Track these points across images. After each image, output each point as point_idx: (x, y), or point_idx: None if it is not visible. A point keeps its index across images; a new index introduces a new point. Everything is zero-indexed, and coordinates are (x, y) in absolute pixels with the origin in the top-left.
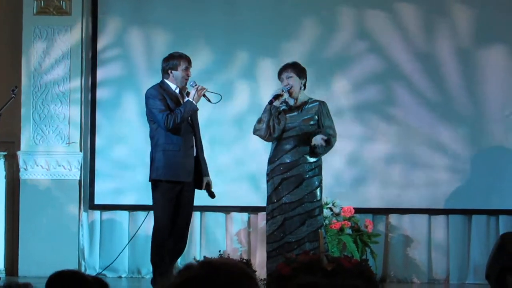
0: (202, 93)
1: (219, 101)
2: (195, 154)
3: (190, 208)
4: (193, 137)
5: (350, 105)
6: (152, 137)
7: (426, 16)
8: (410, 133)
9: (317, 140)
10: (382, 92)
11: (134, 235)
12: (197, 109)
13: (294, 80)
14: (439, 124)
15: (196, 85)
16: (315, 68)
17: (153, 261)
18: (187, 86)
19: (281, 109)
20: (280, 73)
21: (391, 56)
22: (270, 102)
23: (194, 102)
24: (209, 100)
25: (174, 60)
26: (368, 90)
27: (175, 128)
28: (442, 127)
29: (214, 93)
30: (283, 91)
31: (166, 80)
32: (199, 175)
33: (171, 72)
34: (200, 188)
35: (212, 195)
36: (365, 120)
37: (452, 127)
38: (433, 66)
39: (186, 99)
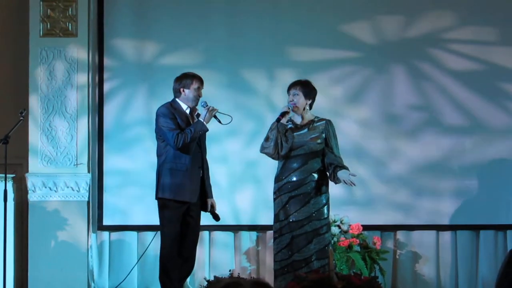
0: (213, 113)
1: (230, 122)
2: (201, 175)
3: (197, 228)
4: (201, 158)
5: (355, 119)
6: (159, 155)
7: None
8: (416, 148)
9: (345, 177)
10: (387, 106)
11: (142, 255)
12: (207, 130)
13: (299, 98)
14: (445, 137)
15: (207, 105)
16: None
17: (162, 280)
18: (198, 106)
19: (288, 127)
20: (289, 88)
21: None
22: (278, 120)
23: (205, 122)
24: (219, 122)
25: (187, 79)
26: (369, 102)
27: (184, 148)
28: (447, 141)
29: (225, 114)
30: (289, 108)
31: (177, 99)
32: (203, 197)
33: (183, 91)
34: (205, 210)
35: (216, 217)
36: (371, 137)
37: (458, 141)
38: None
39: (197, 119)
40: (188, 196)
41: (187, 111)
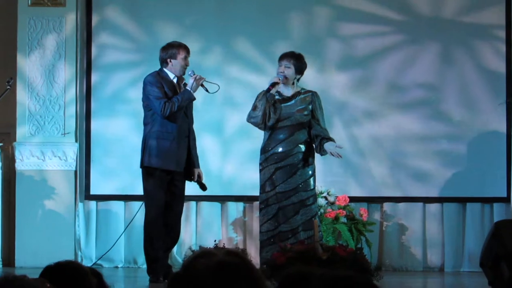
0: (200, 82)
1: (217, 91)
2: (187, 144)
3: (182, 198)
4: (188, 128)
5: (347, 93)
6: (146, 123)
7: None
8: (404, 122)
9: (332, 149)
10: (380, 81)
11: (129, 224)
12: (194, 99)
13: (290, 71)
14: (432, 113)
15: (194, 74)
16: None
17: (146, 249)
18: (185, 75)
19: (276, 98)
20: (281, 59)
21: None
22: (268, 90)
23: (192, 91)
24: (207, 90)
25: (173, 49)
26: (358, 72)
27: (171, 116)
28: (435, 116)
29: (212, 83)
30: (279, 79)
31: (164, 69)
32: (189, 167)
33: (170, 61)
34: (190, 180)
35: (203, 187)
36: (360, 109)
37: (445, 116)
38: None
39: (184, 88)
40: (174, 165)
41: (174, 80)
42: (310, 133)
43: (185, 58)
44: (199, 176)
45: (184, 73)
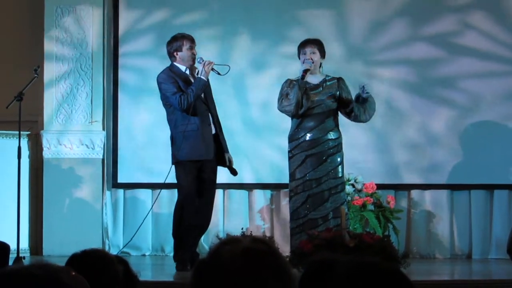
0: (210, 67)
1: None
2: (213, 132)
3: (213, 185)
4: (209, 115)
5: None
6: (169, 120)
7: None
8: (431, 110)
9: (363, 92)
10: (407, 73)
11: (150, 210)
12: (207, 83)
13: (316, 57)
14: (459, 100)
15: (203, 61)
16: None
17: (175, 235)
18: (196, 64)
19: (306, 86)
20: (303, 45)
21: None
22: (302, 77)
23: (203, 77)
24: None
25: (177, 42)
26: (385, 68)
27: (190, 108)
28: (461, 102)
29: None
30: (309, 65)
31: (174, 63)
32: (220, 153)
33: (176, 54)
34: (224, 165)
35: (234, 172)
36: (389, 98)
37: (472, 102)
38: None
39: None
40: (203, 154)
41: (187, 72)
42: (337, 121)
43: (191, 48)
44: (230, 161)
45: (193, 63)
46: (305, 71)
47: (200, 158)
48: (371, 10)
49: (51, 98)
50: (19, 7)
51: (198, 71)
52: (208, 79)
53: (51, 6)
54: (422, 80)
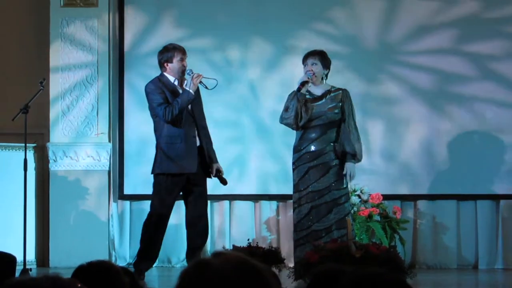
0: (198, 80)
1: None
2: (198, 144)
3: (203, 197)
4: (195, 127)
5: (377, 91)
6: (155, 130)
7: None
8: (438, 119)
9: (349, 172)
10: (426, 81)
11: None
12: (194, 97)
13: (318, 68)
14: (466, 108)
15: (192, 73)
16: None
17: (139, 250)
18: (186, 76)
19: (306, 97)
20: (306, 58)
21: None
22: (298, 89)
23: (190, 90)
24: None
25: (168, 53)
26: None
27: (175, 120)
28: (467, 113)
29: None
30: (308, 78)
31: (164, 73)
32: (206, 163)
33: (167, 65)
34: (210, 177)
35: (223, 181)
36: (392, 107)
37: (478, 114)
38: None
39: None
40: (185, 167)
41: (176, 83)
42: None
43: (181, 59)
44: (219, 171)
45: (183, 75)
46: (302, 84)
47: (181, 171)
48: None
49: (57, 110)
50: (24, 19)
51: (186, 83)
52: (198, 91)
53: (56, 19)
54: (438, 91)
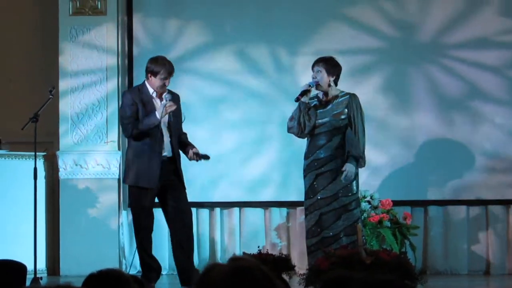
0: (170, 110)
1: (208, 159)
2: (170, 155)
3: (178, 207)
4: (164, 142)
5: (386, 99)
6: (127, 139)
7: None
8: (446, 125)
9: (348, 173)
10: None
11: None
12: (158, 123)
13: (322, 75)
14: (475, 116)
15: (167, 101)
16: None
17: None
18: (163, 96)
19: (312, 104)
20: (312, 66)
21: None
22: (297, 99)
23: (158, 116)
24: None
25: (156, 66)
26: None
27: (133, 137)
28: (478, 119)
29: (204, 155)
30: (310, 86)
31: (146, 82)
32: (178, 174)
33: (150, 76)
34: (191, 159)
35: (206, 156)
36: (403, 112)
37: (488, 119)
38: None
39: (160, 104)
40: (146, 182)
41: (154, 95)
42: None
43: (165, 78)
44: (196, 154)
45: (162, 92)
46: (302, 93)
47: (142, 185)
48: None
49: (66, 119)
50: (34, 28)
51: (159, 108)
52: (179, 103)
53: (65, 27)
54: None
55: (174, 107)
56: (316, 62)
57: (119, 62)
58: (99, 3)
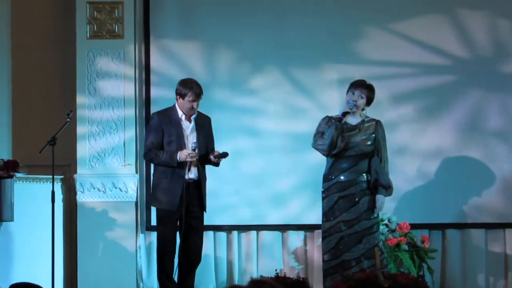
0: (190, 160)
1: (226, 157)
2: (194, 179)
3: (193, 232)
4: (187, 166)
5: (402, 118)
6: None
7: None
8: (464, 146)
9: (379, 203)
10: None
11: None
12: (175, 166)
13: (362, 102)
14: (494, 139)
15: (194, 150)
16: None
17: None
18: (189, 146)
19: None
20: (355, 86)
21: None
22: (340, 119)
23: (178, 159)
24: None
25: (185, 89)
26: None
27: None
28: (497, 142)
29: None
30: (351, 108)
31: (176, 105)
32: (201, 198)
33: (179, 98)
34: (211, 163)
35: (224, 154)
36: (420, 134)
37: (503, 143)
38: None
39: (190, 127)
40: (166, 204)
41: (183, 117)
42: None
43: (193, 101)
44: (216, 156)
45: (191, 114)
46: (344, 114)
47: (164, 207)
48: None
49: (84, 142)
50: (51, 51)
51: (180, 152)
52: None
53: (82, 50)
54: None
55: (195, 159)
56: (360, 87)
57: (137, 85)
58: (116, 26)
